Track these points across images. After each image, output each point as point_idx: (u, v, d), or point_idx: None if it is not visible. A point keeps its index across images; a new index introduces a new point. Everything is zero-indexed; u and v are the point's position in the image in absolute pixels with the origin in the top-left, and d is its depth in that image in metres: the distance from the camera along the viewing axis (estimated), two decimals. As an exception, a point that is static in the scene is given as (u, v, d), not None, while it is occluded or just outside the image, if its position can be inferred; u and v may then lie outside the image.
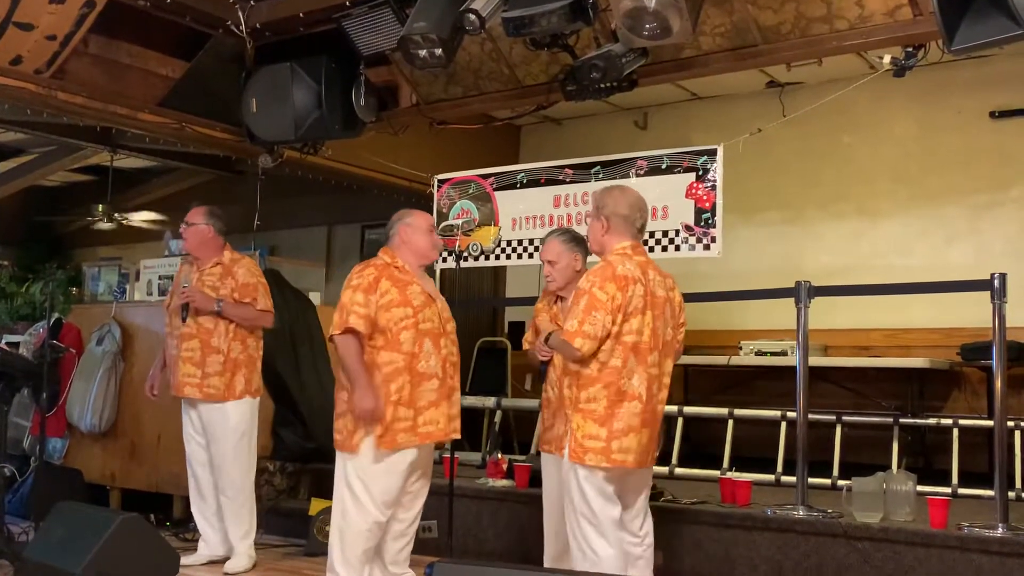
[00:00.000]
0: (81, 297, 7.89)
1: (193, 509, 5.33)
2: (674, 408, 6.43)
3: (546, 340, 4.06)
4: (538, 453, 4.44)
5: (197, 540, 5.31)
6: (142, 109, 6.32)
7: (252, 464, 5.25)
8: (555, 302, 4.46)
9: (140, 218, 10.46)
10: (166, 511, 6.35)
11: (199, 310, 5.13)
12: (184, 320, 5.15)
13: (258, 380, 5.28)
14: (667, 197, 5.59)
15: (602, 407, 3.74)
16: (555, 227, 5.76)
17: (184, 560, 4.91)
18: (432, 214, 6.08)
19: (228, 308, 5.12)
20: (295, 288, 6.80)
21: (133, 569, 4.28)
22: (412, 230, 4.37)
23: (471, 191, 6.39)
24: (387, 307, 4.16)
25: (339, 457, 4.25)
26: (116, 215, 10.28)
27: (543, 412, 4.29)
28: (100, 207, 10.09)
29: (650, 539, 4.03)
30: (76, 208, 11.04)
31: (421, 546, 4.52)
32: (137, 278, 7.11)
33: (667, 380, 3.96)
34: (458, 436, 4.41)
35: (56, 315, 7.01)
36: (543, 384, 4.26)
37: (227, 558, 5.15)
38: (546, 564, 4.18)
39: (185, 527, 5.82)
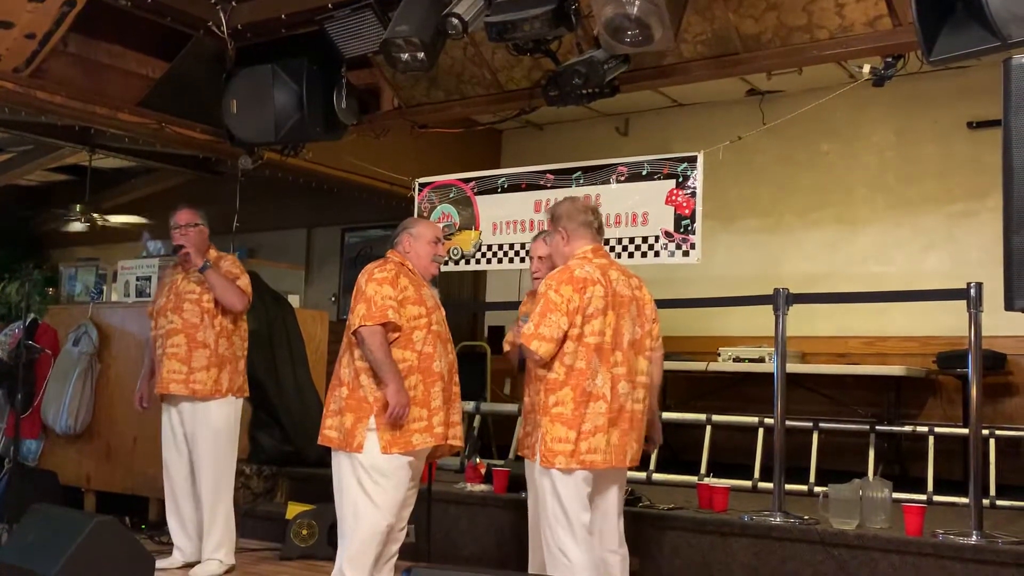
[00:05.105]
0: (58, 298, 7.82)
1: (168, 518, 5.25)
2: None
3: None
4: (519, 458, 4.43)
5: (172, 545, 5.25)
6: (121, 109, 6.28)
7: (231, 468, 5.17)
8: None
9: (118, 219, 10.39)
10: (141, 514, 6.30)
11: (188, 259, 5.09)
12: (178, 261, 5.15)
13: (242, 380, 5.22)
14: (647, 203, 5.61)
15: (569, 410, 3.77)
16: (537, 231, 5.77)
17: (159, 564, 4.87)
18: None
19: (213, 273, 5.05)
20: (273, 291, 6.77)
21: (107, 572, 4.24)
22: (415, 241, 4.27)
23: (452, 195, 6.39)
24: (403, 303, 4.09)
25: (339, 457, 4.09)
26: (94, 215, 10.21)
27: (524, 418, 4.27)
28: (78, 207, 10.01)
29: (624, 546, 4.03)
30: (54, 208, 10.95)
31: (398, 550, 4.51)
32: (114, 279, 7.06)
33: (642, 379, 3.96)
34: (459, 444, 4.32)
35: (32, 315, 6.96)
36: (525, 387, 4.23)
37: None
38: (531, 570, 4.16)
39: (161, 530, 5.77)
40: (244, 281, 5.20)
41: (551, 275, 3.91)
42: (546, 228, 4.31)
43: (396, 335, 4.08)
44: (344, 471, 4.07)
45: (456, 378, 4.32)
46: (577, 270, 3.86)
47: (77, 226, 10.45)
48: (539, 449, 3.81)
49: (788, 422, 5.09)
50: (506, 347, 4.42)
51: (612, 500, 3.99)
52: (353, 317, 4.06)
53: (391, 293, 4.06)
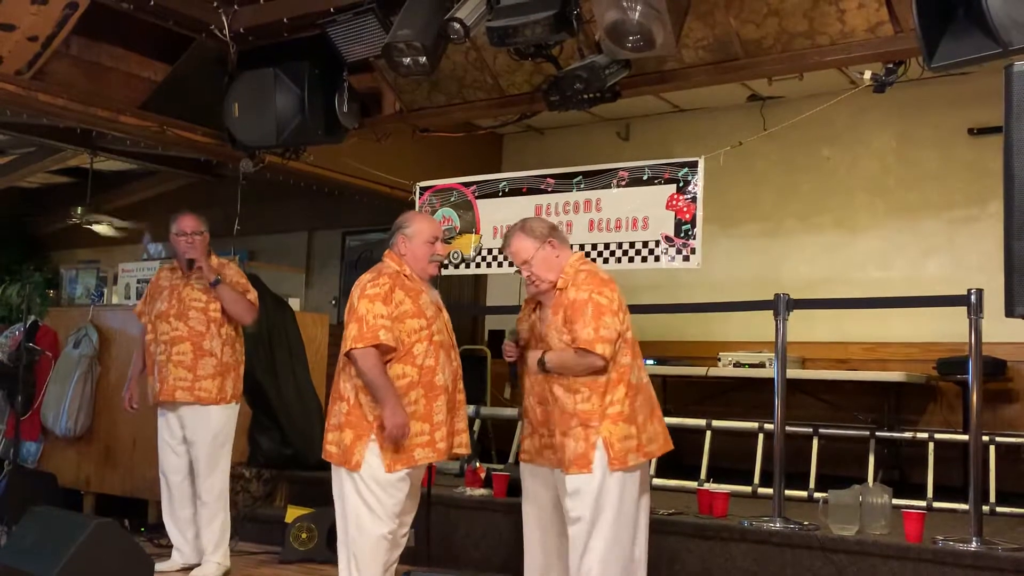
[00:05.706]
0: (58, 300, 7.84)
1: (166, 520, 5.26)
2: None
3: (540, 364, 3.91)
4: (518, 462, 4.40)
5: (171, 547, 5.26)
6: (123, 112, 6.29)
7: (227, 471, 5.21)
8: (534, 310, 4.42)
9: (119, 221, 10.41)
10: (140, 516, 6.30)
11: (198, 269, 5.08)
12: (185, 272, 5.12)
13: (241, 386, 5.26)
14: (648, 208, 5.61)
15: (626, 406, 3.79)
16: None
17: (158, 566, 4.87)
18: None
19: (225, 287, 5.08)
20: (274, 294, 6.78)
21: (106, 575, 4.25)
22: (411, 241, 4.14)
23: (453, 199, 6.39)
24: (401, 318, 3.98)
25: (339, 472, 4.05)
26: (95, 218, 10.22)
27: (524, 421, 4.25)
28: (79, 209, 10.03)
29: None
30: (55, 210, 10.97)
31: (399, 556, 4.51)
32: (115, 281, 7.08)
33: None
34: (466, 451, 4.28)
35: (33, 317, 6.97)
36: (521, 389, 4.19)
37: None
38: (528, 574, 4.14)
39: (159, 533, 5.76)
40: (253, 294, 5.27)
41: (581, 281, 3.86)
42: (507, 247, 4.14)
43: (391, 354, 3.98)
44: (345, 486, 4.03)
45: (460, 385, 4.25)
46: (600, 272, 3.93)
47: (78, 228, 10.47)
48: (605, 456, 3.73)
49: (788, 427, 5.09)
50: (511, 356, 4.27)
51: (646, 501, 3.99)
52: (346, 336, 3.98)
53: (383, 311, 3.94)
